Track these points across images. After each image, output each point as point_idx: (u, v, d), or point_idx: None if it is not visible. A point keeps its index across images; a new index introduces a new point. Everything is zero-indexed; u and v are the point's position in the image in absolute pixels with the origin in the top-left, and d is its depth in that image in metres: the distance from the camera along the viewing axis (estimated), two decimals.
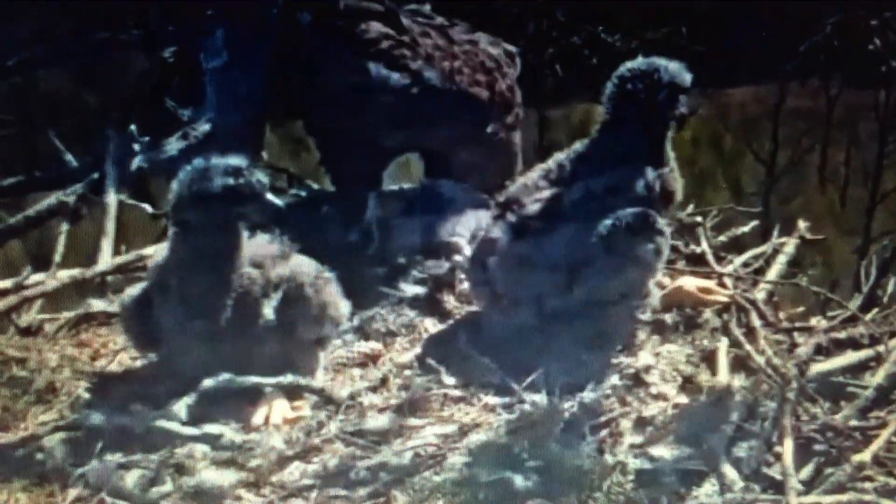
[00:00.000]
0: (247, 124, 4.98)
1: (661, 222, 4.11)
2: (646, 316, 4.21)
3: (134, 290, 4.07)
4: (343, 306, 4.15)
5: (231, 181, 3.86)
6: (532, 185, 4.26)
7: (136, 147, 5.06)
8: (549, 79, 10.51)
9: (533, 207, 4.17)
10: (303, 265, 4.06)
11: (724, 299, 4.38)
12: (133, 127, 5.13)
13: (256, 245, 4.00)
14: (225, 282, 3.88)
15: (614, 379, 3.92)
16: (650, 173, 4.15)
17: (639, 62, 4.23)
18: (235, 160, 3.93)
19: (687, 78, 4.24)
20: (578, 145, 4.34)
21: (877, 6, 9.68)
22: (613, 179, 4.13)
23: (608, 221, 4.01)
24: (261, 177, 3.94)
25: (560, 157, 4.32)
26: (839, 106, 10.81)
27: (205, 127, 4.93)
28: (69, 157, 5.44)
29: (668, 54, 4.30)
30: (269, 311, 3.92)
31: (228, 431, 3.69)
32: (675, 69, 4.21)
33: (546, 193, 4.18)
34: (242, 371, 3.82)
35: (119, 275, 4.76)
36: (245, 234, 3.97)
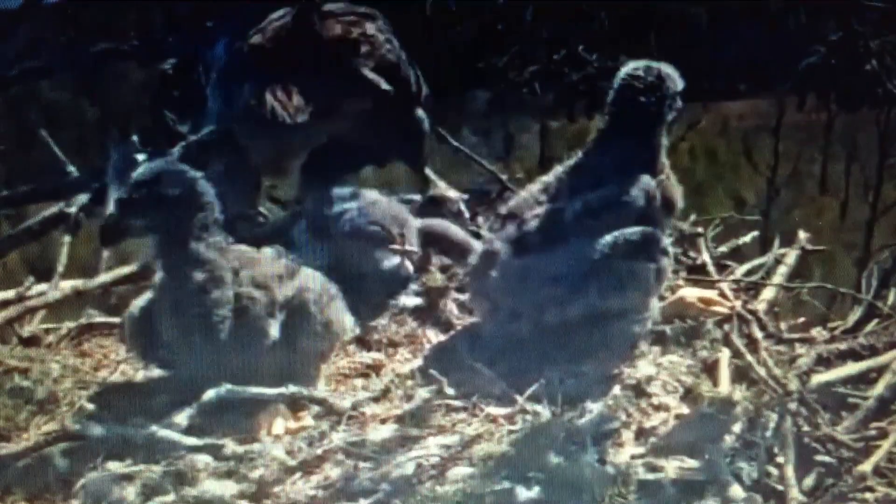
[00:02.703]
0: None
1: (666, 242, 4.12)
2: (646, 330, 4.21)
3: (140, 301, 4.06)
4: (347, 321, 4.15)
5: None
6: (532, 199, 4.25)
7: (138, 157, 5.06)
8: (527, 96, 10.60)
9: (532, 223, 4.16)
10: (309, 281, 4.04)
11: (726, 310, 4.38)
12: (135, 137, 5.14)
13: (262, 263, 4.00)
14: (212, 299, 3.86)
15: (616, 390, 3.92)
16: (650, 182, 4.15)
17: (636, 65, 4.22)
18: (157, 164, 3.95)
19: (680, 80, 4.23)
20: (575, 157, 4.32)
21: (876, 28, 9.71)
22: (613, 191, 4.12)
23: (609, 239, 4.02)
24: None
25: (559, 170, 4.32)
26: (839, 119, 10.84)
27: (206, 137, 4.94)
28: (71, 167, 5.46)
29: None
30: (275, 331, 3.92)
31: (230, 442, 3.68)
32: (670, 71, 4.21)
33: (546, 208, 4.17)
34: (244, 382, 3.82)
35: (121, 286, 4.77)
36: (248, 249, 4.01)
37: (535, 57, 10.48)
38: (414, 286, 4.69)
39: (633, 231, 4.04)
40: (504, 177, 5.75)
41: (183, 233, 3.86)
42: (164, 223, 3.85)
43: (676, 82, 4.21)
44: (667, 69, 4.21)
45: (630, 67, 4.21)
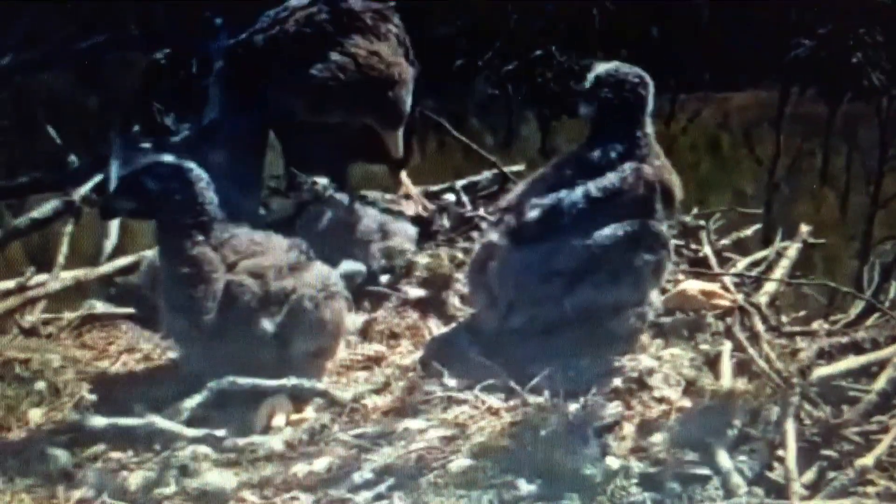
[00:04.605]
0: (250, 126, 4.97)
1: (666, 234, 4.12)
2: (646, 322, 4.21)
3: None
4: (347, 321, 4.13)
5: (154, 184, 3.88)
6: (531, 191, 4.25)
7: (142, 147, 5.05)
8: (499, 96, 10.63)
9: (532, 213, 4.16)
10: (312, 278, 4.00)
11: (728, 303, 4.39)
12: (136, 128, 5.13)
13: (266, 253, 3.99)
14: (196, 293, 3.87)
15: (617, 382, 3.92)
16: (648, 171, 4.16)
17: (616, 65, 4.27)
18: (154, 156, 3.96)
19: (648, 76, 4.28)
20: (574, 149, 4.34)
21: (865, 20, 9.74)
22: (613, 180, 4.13)
23: (609, 231, 4.02)
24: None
25: (557, 161, 4.33)
26: (840, 111, 10.84)
27: (208, 128, 4.93)
28: (72, 157, 5.45)
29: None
30: (267, 323, 3.90)
31: (231, 433, 3.68)
32: (640, 70, 4.26)
33: (545, 199, 4.17)
34: (244, 374, 3.81)
35: (122, 276, 4.76)
36: (258, 237, 4.01)
37: (513, 55, 10.51)
38: (417, 273, 4.71)
39: (632, 223, 4.05)
40: (506, 169, 5.75)
41: (172, 225, 3.89)
42: (151, 210, 3.91)
43: (648, 77, 4.25)
44: (629, 65, 4.28)
45: (611, 67, 4.27)
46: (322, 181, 4.65)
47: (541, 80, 10.46)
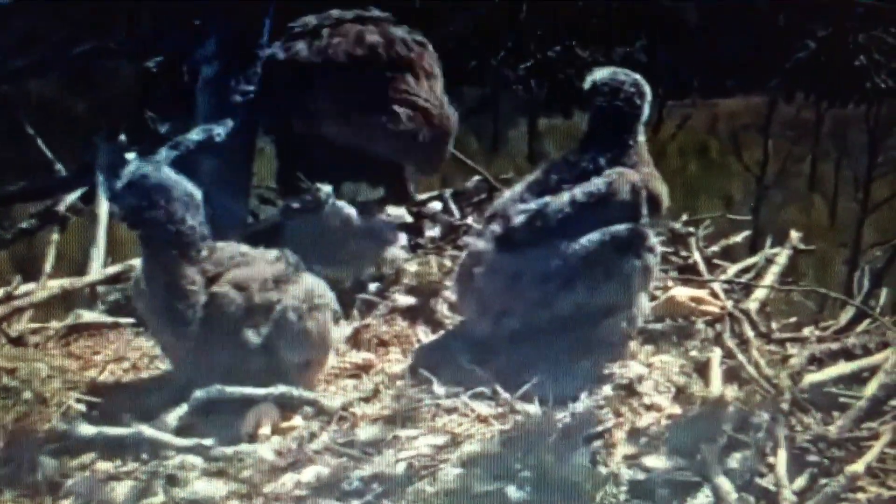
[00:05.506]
0: (238, 133, 4.97)
1: (653, 239, 4.12)
2: (635, 327, 4.21)
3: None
4: (333, 333, 4.12)
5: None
6: (517, 197, 4.24)
7: (128, 156, 5.04)
8: (522, 93, 10.62)
9: (518, 219, 4.15)
10: (298, 290, 4.00)
11: (717, 310, 4.39)
12: (122, 136, 5.12)
13: (252, 264, 3.98)
14: (173, 295, 3.87)
15: (607, 389, 3.91)
16: (635, 177, 4.16)
17: (613, 71, 4.27)
18: (141, 169, 3.96)
19: (646, 84, 4.28)
20: (561, 155, 4.34)
21: (864, 23, 9.75)
22: (599, 186, 4.13)
23: (596, 236, 4.02)
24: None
25: (545, 167, 4.32)
26: (829, 117, 10.86)
27: (196, 136, 4.92)
28: (59, 166, 5.43)
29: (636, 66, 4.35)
30: (252, 334, 3.89)
31: (219, 443, 3.66)
32: (638, 77, 4.26)
33: (531, 205, 4.17)
34: (233, 384, 3.80)
35: (109, 285, 4.75)
36: (244, 249, 4.01)
37: (528, 53, 10.51)
38: (406, 280, 4.70)
39: (619, 228, 4.05)
40: (492, 178, 5.74)
41: (150, 238, 3.89)
42: (142, 222, 3.89)
43: (647, 86, 4.26)
44: (628, 71, 4.29)
45: (607, 73, 4.27)
46: (326, 188, 4.64)
47: (526, 75, 10.51)
